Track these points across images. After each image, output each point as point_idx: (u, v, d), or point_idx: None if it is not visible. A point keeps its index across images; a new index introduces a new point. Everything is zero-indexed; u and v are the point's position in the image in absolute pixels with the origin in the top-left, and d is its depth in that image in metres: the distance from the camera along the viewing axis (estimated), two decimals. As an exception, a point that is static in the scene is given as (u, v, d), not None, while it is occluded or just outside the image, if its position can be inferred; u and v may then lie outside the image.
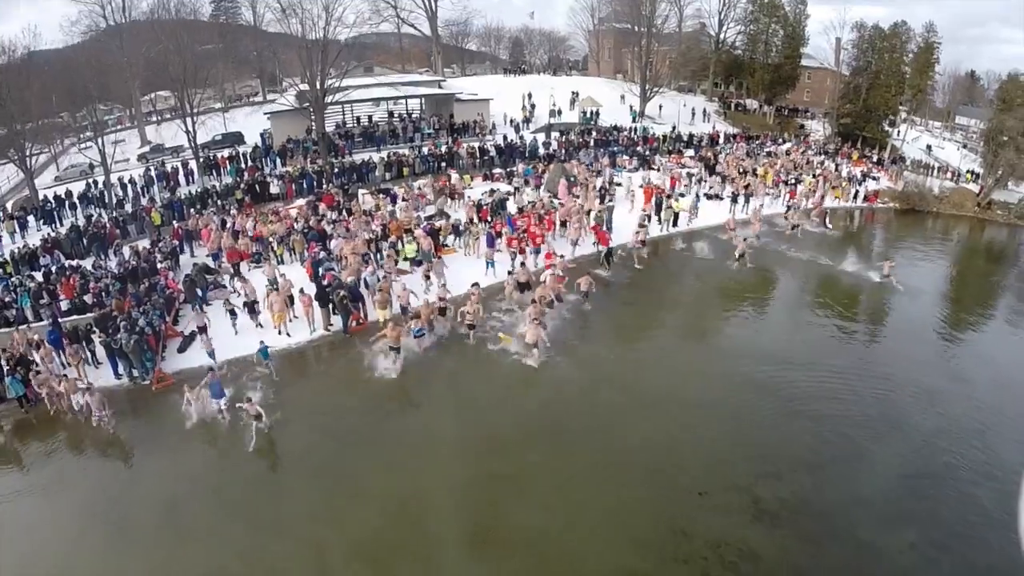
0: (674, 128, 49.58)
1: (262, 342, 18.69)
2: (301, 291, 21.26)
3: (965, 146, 58.32)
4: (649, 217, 30.01)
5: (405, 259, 25.32)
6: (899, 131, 57.76)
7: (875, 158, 49.83)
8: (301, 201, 32.38)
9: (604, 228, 27.97)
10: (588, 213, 29.09)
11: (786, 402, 17.46)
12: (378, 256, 24.99)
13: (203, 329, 19.80)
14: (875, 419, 16.88)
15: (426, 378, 18.65)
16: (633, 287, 25.38)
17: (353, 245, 24.19)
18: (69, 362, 18.85)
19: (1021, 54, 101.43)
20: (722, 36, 63.25)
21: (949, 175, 48.10)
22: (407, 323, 19.82)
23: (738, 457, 15.14)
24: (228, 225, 28.47)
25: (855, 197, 39.30)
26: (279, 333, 20.61)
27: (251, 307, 20.81)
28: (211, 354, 19.28)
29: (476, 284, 21.82)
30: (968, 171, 48.25)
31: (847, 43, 57.21)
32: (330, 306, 21.13)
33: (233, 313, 21.14)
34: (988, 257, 34.76)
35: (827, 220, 33.56)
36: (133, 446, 16.16)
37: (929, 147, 57.19)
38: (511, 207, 30.85)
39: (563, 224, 28.37)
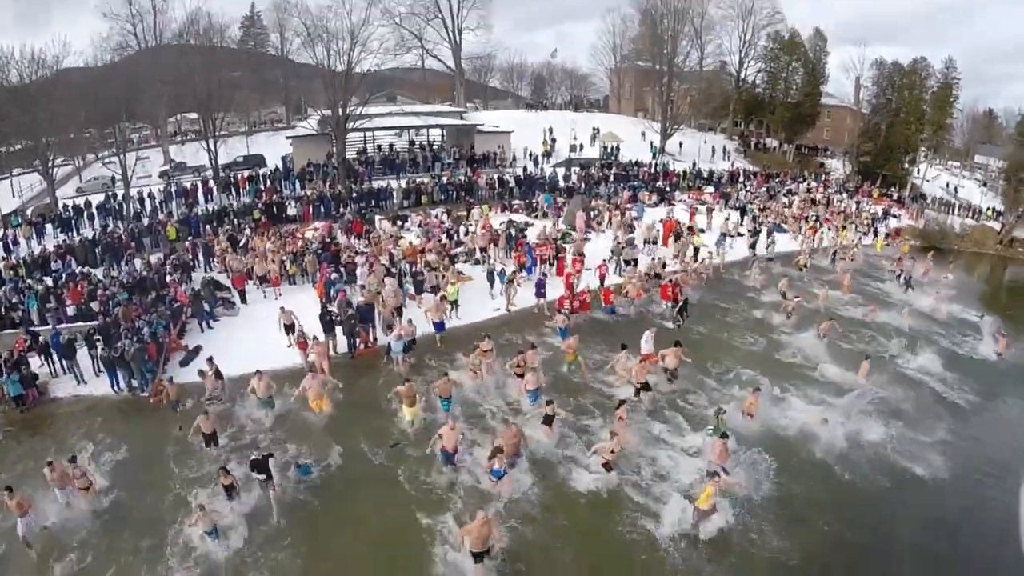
0: (694, 165, 49.37)
1: (298, 464, 14.22)
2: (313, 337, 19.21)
3: (985, 184, 57.79)
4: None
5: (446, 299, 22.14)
6: (919, 169, 57.60)
7: (895, 196, 49.54)
8: (318, 224, 32.17)
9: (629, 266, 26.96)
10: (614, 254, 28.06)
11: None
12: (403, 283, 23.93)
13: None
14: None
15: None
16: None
17: (380, 281, 22.70)
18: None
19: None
20: (742, 74, 63.87)
21: (970, 213, 47.63)
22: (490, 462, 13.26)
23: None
24: (241, 243, 28.25)
25: (875, 235, 38.30)
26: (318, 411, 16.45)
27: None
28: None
29: (625, 401, 15.57)
30: (989, 208, 47.71)
31: (866, 80, 57.64)
32: (334, 330, 20.03)
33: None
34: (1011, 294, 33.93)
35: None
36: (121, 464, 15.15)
37: (956, 188, 56.75)
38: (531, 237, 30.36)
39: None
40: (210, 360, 17.64)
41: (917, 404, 17.41)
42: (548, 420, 14.85)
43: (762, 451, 14.40)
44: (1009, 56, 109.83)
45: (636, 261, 27.35)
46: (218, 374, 17.35)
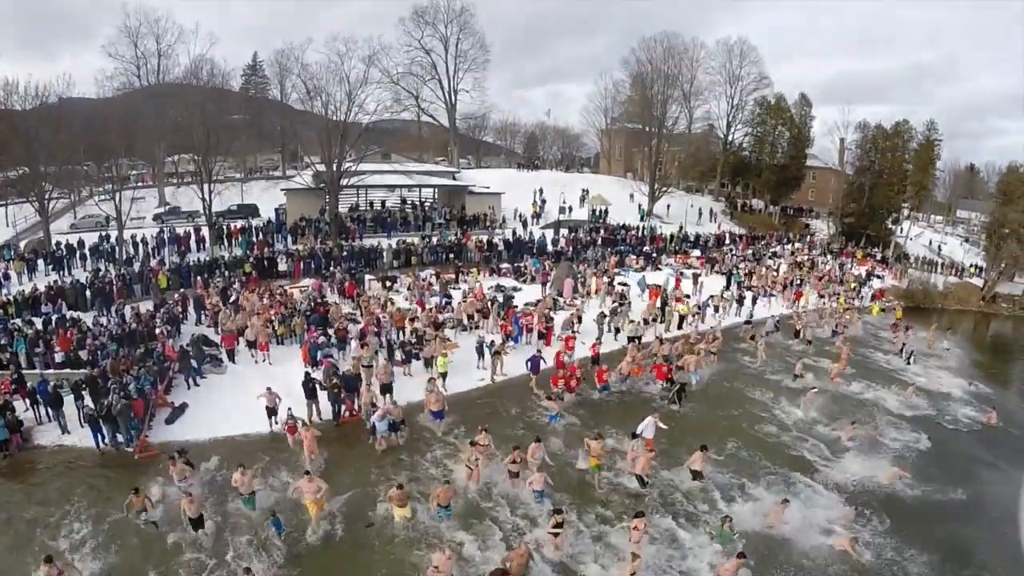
0: (681, 228, 50.78)
1: (274, 514, 14.74)
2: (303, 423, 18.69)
3: (967, 240, 59.27)
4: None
5: (437, 374, 22.23)
6: (902, 228, 58.96)
7: (879, 256, 50.81)
8: (307, 281, 32.84)
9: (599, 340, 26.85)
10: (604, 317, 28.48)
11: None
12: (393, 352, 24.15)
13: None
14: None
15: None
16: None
17: (373, 355, 22.86)
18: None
19: (1019, 143, 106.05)
20: (730, 137, 66.04)
21: (953, 271, 48.92)
22: None
23: None
24: (231, 299, 28.64)
25: (861, 298, 39.41)
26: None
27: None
28: None
29: (643, 513, 14.50)
30: (972, 265, 49.12)
31: (851, 143, 59.63)
32: (316, 397, 20.14)
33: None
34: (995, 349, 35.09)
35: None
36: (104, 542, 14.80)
37: (939, 247, 58.12)
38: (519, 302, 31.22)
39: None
40: (181, 451, 16.65)
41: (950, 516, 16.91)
42: (557, 527, 13.82)
43: (783, 568, 14.15)
44: (989, 110, 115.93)
45: (640, 339, 27.08)
46: (188, 464, 16.36)
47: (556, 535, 13.74)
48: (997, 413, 23.03)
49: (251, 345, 24.18)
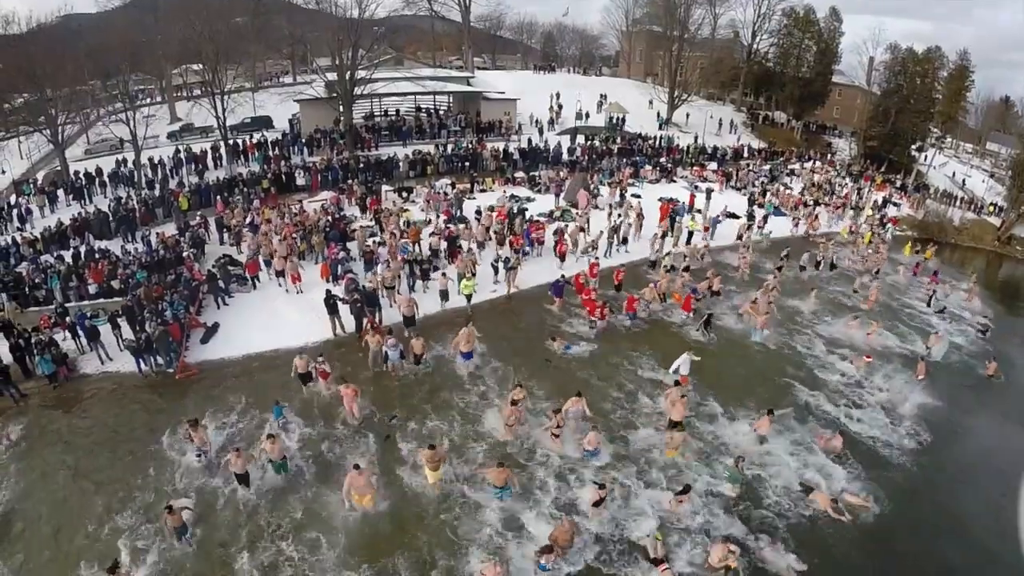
0: (697, 139, 49.54)
1: (277, 402, 16.35)
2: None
3: (992, 175, 57.31)
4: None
5: (460, 293, 22.59)
6: (926, 156, 57.02)
7: (898, 183, 49.26)
8: (326, 194, 32.91)
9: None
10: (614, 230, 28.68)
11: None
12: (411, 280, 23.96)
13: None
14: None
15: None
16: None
17: (395, 276, 22.99)
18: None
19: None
20: (755, 47, 63.18)
21: (971, 206, 47.34)
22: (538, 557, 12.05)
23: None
24: (249, 220, 28.92)
25: (885, 228, 37.97)
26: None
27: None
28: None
29: (690, 488, 14.16)
30: (991, 204, 47.82)
31: (879, 64, 56.90)
32: (338, 312, 20.70)
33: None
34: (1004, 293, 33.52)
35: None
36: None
37: (963, 180, 55.70)
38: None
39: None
40: (195, 421, 15.43)
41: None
42: (598, 502, 13.52)
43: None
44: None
45: (672, 267, 26.51)
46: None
47: (598, 505, 13.50)
48: (997, 364, 21.79)
49: (279, 275, 24.05)
